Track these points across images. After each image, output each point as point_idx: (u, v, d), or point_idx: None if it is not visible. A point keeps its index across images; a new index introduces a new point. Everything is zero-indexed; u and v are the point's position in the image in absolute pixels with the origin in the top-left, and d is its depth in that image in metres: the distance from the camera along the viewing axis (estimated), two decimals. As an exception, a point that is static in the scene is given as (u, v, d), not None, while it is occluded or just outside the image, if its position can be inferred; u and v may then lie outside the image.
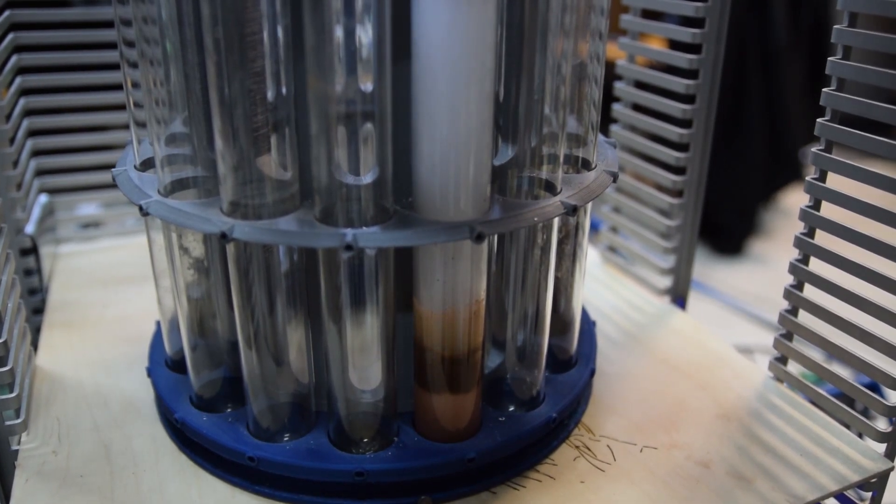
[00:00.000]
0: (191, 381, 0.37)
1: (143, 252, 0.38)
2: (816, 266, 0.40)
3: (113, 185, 0.35)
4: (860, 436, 0.39)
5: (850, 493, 0.38)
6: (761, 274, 1.48)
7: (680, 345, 0.47)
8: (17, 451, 0.37)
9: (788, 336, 0.42)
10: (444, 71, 0.27)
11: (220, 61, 0.29)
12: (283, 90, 0.30)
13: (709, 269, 1.50)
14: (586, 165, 0.36)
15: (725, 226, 1.55)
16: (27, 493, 0.34)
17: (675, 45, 0.47)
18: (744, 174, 1.54)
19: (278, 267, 0.32)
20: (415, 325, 0.33)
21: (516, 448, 0.35)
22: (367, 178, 0.29)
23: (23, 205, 0.51)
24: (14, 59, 0.51)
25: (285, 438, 0.35)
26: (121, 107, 0.55)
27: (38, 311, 0.51)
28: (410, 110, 0.29)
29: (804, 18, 1.52)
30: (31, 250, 0.51)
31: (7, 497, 0.35)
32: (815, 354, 0.41)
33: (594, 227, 0.58)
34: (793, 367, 0.43)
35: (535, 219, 0.31)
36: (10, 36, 0.50)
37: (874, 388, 0.48)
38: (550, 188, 0.33)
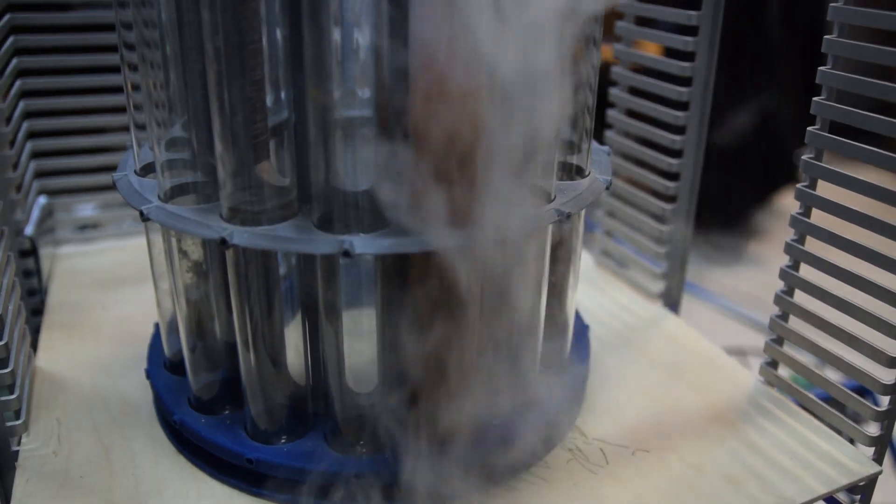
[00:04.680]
0: (189, 382, 0.38)
1: (142, 254, 0.39)
2: (807, 272, 0.41)
3: (112, 188, 0.35)
4: (851, 440, 0.40)
5: (840, 496, 0.38)
6: (755, 275, 1.49)
7: (672, 348, 0.48)
8: (17, 451, 0.37)
9: (779, 341, 0.43)
10: (440, 79, 0.28)
11: (220, 69, 0.29)
12: (283, 97, 0.31)
13: (703, 271, 1.51)
14: (580, 172, 0.36)
15: (719, 229, 1.56)
16: (27, 493, 0.35)
17: (669, 51, 0.48)
18: (738, 176, 1.54)
19: (276, 271, 0.33)
20: (411, 326, 0.34)
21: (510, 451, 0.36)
22: (365, 184, 0.30)
23: (22, 206, 0.51)
24: (14, 61, 0.51)
25: (283, 440, 0.35)
26: (120, 109, 0.55)
27: (37, 312, 0.51)
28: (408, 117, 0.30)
29: (798, 20, 1.53)
30: (31, 252, 0.51)
31: (7, 497, 0.35)
32: (806, 359, 0.42)
33: (588, 231, 0.59)
34: (784, 372, 0.43)
35: (530, 226, 0.31)
36: (10, 39, 0.50)
37: (864, 392, 0.49)
38: (544, 195, 0.33)
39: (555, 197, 0.33)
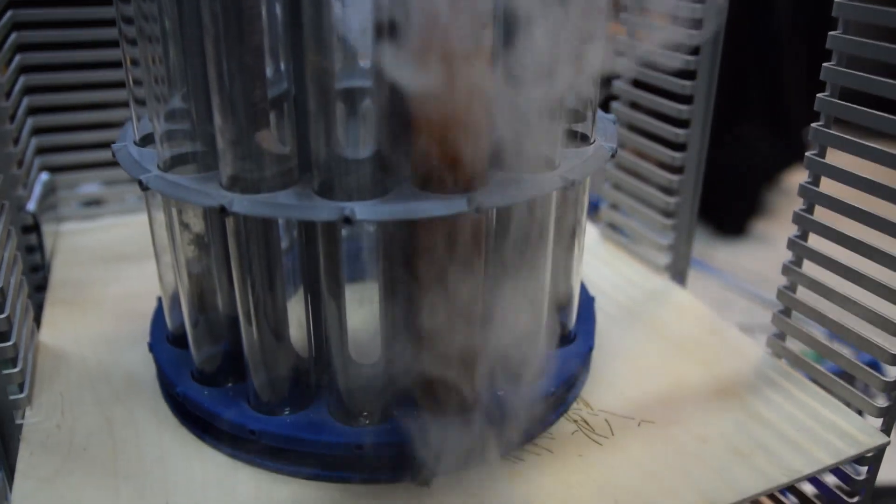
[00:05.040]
0: (192, 355, 0.37)
1: (144, 230, 0.39)
2: (815, 242, 0.40)
3: (114, 163, 0.35)
4: (859, 412, 0.39)
5: (847, 468, 0.38)
6: (764, 254, 1.48)
7: (679, 321, 0.47)
8: (21, 424, 0.37)
9: (787, 312, 0.42)
10: (442, 44, 0.27)
11: (217, 37, 0.29)
12: (282, 65, 0.30)
13: (711, 249, 1.50)
14: (585, 140, 0.36)
15: (728, 207, 1.55)
16: (31, 466, 0.35)
17: (675, 21, 0.47)
18: (747, 154, 1.53)
19: (277, 241, 0.33)
20: (413, 297, 0.34)
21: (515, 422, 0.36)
22: (366, 151, 0.29)
23: (24, 182, 0.51)
24: (13, 36, 0.51)
25: (286, 412, 0.35)
26: (121, 84, 0.55)
27: (40, 288, 0.51)
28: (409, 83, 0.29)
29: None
30: (33, 227, 0.51)
31: (12, 470, 0.35)
32: (814, 331, 0.41)
33: (594, 204, 0.58)
34: (791, 344, 0.43)
35: (534, 192, 0.31)
36: (8, 13, 0.50)
37: (872, 364, 0.48)
38: (549, 162, 0.33)
39: (559, 164, 0.33)
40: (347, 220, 0.28)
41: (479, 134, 0.29)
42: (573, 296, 0.40)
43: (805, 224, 0.40)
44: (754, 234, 1.58)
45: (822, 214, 0.39)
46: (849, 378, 0.40)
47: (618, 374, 0.42)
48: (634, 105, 0.53)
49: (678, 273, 0.52)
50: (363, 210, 0.28)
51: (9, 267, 0.38)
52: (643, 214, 0.53)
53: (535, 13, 0.29)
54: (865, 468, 0.38)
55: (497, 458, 0.36)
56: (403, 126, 0.30)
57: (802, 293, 0.41)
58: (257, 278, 0.33)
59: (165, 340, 0.40)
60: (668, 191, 0.51)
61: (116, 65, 0.54)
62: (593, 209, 0.57)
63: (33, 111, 0.54)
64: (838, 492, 0.39)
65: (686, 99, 0.48)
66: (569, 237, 0.39)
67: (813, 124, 0.39)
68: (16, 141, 0.50)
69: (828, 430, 0.38)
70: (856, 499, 0.39)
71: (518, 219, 0.34)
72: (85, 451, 0.36)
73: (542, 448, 0.36)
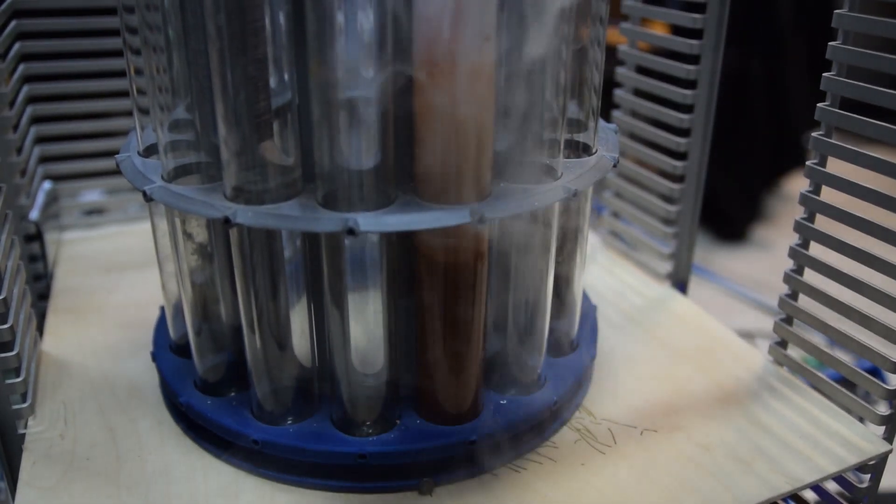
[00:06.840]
0: (195, 365, 0.38)
1: (147, 238, 0.39)
2: (816, 250, 0.40)
3: (116, 172, 0.35)
4: (861, 420, 0.39)
5: (849, 476, 0.38)
6: (764, 259, 1.48)
7: (681, 329, 0.48)
8: (24, 434, 0.37)
9: (788, 320, 0.42)
10: (445, 56, 0.28)
11: (222, 48, 0.29)
12: (286, 76, 0.30)
13: (711, 255, 1.51)
14: (587, 150, 0.36)
15: (729, 212, 1.55)
16: (34, 475, 0.35)
17: (677, 30, 0.47)
18: (747, 160, 1.53)
19: (281, 251, 0.33)
20: (417, 308, 0.34)
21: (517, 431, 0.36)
22: (369, 162, 0.29)
23: (27, 191, 0.51)
24: (17, 46, 0.51)
25: (289, 421, 0.35)
26: (124, 94, 0.55)
27: (43, 296, 0.51)
28: (412, 95, 0.29)
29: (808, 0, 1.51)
30: (36, 236, 0.51)
31: (15, 480, 0.35)
32: (816, 338, 0.41)
33: (596, 212, 0.58)
34: (794, 352, 0.43)
35: (536, 203, 0.31)
36: (13, 23, 0.50)
37: (874, 371, 0.48)
38: (551, 173, 0.33)
39: (562, 174, 0.33)
40: (351, 232, 0.28)
41: (483, 145, 0.29)
42: (575, 304, 0.40)
43: (806, 233, 0.40)
44: (754, 239, 1.58)
45: (822, 223, 0.40)
46: (851, 386, 0.40)
47: (620, 383, 0.42)
48: (635, 114, 0.53)
49: (679, 281, 0.52)
50: (366, 221, 0.29)
51: (12, 276, 0.38)
52: (644, 223, 0.53)
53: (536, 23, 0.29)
54: (868, 476, 0.38)
55: (499, 467, 0.36)
56: (407, 137, 0.30)
57: (804, 301, 0.41)
58: (261, 288, 0.33)
59: (168, 349, 0.40)
60: (669, 199, 0.51)
61: (120, 74, 0.55)
62: (595, 216, 0.57)
63: (36, 120, 0.54)
64: (841, 499, 0.39)
65: (687, 108, 0.48)
66: (571, 245, 0.39)
67: (813, 133, 0.39)
68: (19, 150, 0.50)
69: (830, 438, 0.38)
70: (858, 507, 0.39)
71: (520, 229, 0.34)
72: (88, 460, 0.36)
73: (545, 457, 0.37)
